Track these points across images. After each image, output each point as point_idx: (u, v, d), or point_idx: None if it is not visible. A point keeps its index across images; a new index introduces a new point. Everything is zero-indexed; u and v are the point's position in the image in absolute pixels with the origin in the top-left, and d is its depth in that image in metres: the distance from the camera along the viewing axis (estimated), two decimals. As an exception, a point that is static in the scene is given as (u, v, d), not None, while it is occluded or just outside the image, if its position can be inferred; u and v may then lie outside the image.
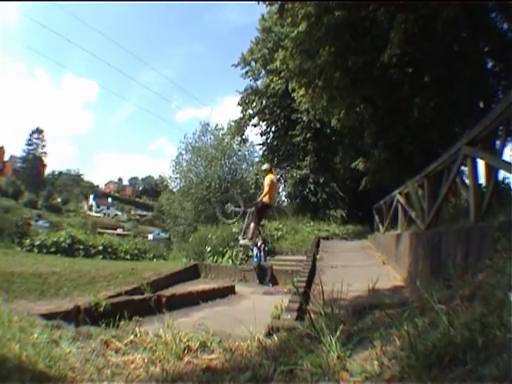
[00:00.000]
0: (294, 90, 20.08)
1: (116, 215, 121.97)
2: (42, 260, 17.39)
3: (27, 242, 22.05)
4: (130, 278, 14.61)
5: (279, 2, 15.27)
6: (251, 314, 8.98)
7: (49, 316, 5.22)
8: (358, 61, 14.88)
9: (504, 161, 4.82)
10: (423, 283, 6.56)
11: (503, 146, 4.95)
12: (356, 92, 16.86)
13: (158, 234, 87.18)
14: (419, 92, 14.77)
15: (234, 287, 12.37)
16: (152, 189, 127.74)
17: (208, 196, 31.95)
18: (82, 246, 22.35)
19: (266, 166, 14.11)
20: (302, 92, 18.77)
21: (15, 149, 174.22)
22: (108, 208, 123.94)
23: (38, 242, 21.77)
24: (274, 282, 14.08)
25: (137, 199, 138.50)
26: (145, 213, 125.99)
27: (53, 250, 21.45)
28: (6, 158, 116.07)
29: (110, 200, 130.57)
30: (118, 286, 13.21)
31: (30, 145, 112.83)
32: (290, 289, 12.66)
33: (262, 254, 14.80)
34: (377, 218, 15.30)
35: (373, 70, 15.15)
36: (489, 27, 14.14)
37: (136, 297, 8.72)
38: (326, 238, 18.41)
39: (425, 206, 7.84)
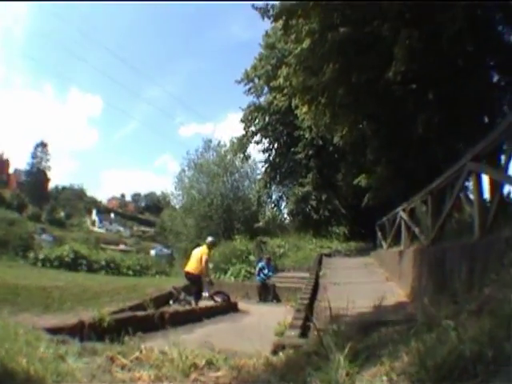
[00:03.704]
0: (297, 107, 20.08)
1: (118, 231, 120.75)
2: (45, 274, 17.48)
3: (31, 255, 22.32)
4: (132, 294, 14.35)
5: (284, 18, 15.29)
6: (255, 331, 9.03)
7: (54, 330, 5.33)
8: (362, 77, 14.84)
9: (510, 176, 4.82)
10: (428, 299, 6.52)
11: (508, 160, 4.88)
12: (359, 109, 16.84)
13: (161, 249, 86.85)
14: (423, 109, 14.70)
15: (236, 304, 12.43)
16: (154, 205, 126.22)
17: (210, 213, 32.01)
18: (84, 261, 22.57)
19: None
20: (304, 109, 18.77)
21: (19, 162, 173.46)
22: (111, 224, 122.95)
23: (41, 256, 21.98)
24: (277, 299, 14.16)
25: (139, 215, 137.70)
26: (147, 229, 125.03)
27: (56, 264, 21.64)
28: (11, 171, 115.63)
29: (112, 216, 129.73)
30: (120, 301, 12.92)
31: (34, 158, 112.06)
32: (293, 306, 12.61)
33: (267, 271, 14.81)
34: (380, 234, 15.23)
35: (376, 86, 15.11)
36: (495, 40, 13.98)
37: (139, 313, 8.69)
38: (329, 255, 18.38)
39: (428, 222, 7.83)
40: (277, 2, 15.25)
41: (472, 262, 5.01)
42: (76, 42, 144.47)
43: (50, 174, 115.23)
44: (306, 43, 15.39)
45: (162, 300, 12.56)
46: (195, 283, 11.92)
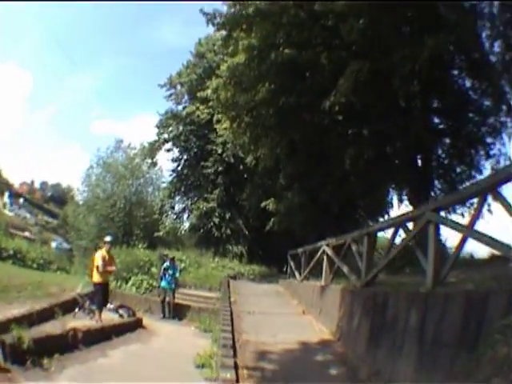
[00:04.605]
0: (218, 122, 19.69)
1: (25, 217, 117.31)
2: None
3: None
4: (37, 291, 15.11)
5: (228, 29, 14.84)
6: (170, 358, 8.45)
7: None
8: (291, 101, 14.70)
9: (476, 231, 4.79)
10: (362, 343, 6.34)
11: (477, 218, 4.88)
12: (283, 133, 16.73)
13: (61, 243, 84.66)
14: (353, 142, 14.64)
15: (141, 320, 12.10)
16: (59, 197, 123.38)
17: (112, 214, 30.78)
18: None
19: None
20: (225, 125, 18.46)
21: None
22: (19, 208, 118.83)
23: None
24: (179, 317, 13.73)
25: (45, 205, 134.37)
26: (50, 220, 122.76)
27: None
28: None
29: (21, 201, 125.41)
30: (27, 298, 13.85)
31: None
32: (198, 327, 12.31)
33: (172, 272, 14.39)
34: (292, 264, 14.97)
35: (304, 113, 15.05)
36: (445, 83, 14.04)
37: (55, 332, 8.40)
38: (234, 278, 18.12)
39: (362, 263, 7.64)
40: (224, 11, 14.79)
41: (424, 313, 4.99)
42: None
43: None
44: (241, 58, 15.05)
45: (67, 306, 12.33)
46: (97, 292, 11.23)
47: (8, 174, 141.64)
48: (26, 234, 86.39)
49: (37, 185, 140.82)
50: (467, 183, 13.96)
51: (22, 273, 18.32)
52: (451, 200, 5.92)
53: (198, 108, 25.01)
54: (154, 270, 17.13)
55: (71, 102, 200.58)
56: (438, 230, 5.56)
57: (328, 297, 9.03)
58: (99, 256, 11.16)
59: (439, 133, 14.86)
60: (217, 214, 26.48)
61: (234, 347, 6.90)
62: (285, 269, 25.19)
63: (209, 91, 19.87)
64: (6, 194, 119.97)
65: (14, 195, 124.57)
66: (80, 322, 11.04)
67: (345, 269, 8.82)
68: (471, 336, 4.05)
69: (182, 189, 29.60)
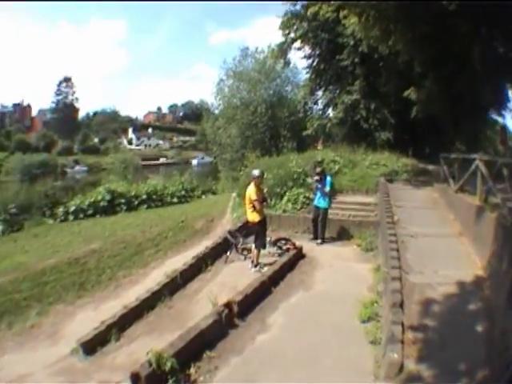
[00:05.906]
0: (345, 17, 19.03)
1: (157, 145, 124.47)
2: (78, 232, 16.35)
3: (60, 210, 20.57)
4: (180, 235, 14.37)
5: None
6: (335, 309, 8.18)
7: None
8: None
9: None
10: (504, 295, 6.13)
11: None
12: (412, 27, 16.34)
13: (203, 158, 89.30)
14: (476, 40, 14.97)
15: (301, 250, 11.51)
16: (193, 113, 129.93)
17: (254, 121, 31.51)
18: (123, 200, 21.09)
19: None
20: (353, 20, 17.88)
21: (45, 103, 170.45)
22: (149, 139, 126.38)
23: (72, 208, 20.37)
24: (338, 235, 13.07)
25: (178, 125, 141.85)
26: (187, 138, 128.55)
27: (90, 212, 20.21)
28: (34, 113, 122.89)
29: (149, 130, 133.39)
30: (168, 248, 13.32)
31: (58, 95, 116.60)
32: (360, 245, 11.90)
33: (324, 185, 12.86)
34: (445, 168, 14.45)
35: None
36: None
37: (205, 324, 6.99)
38: (390, 181, 17.03)
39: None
40: None
41: None
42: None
43: (78, 105, 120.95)
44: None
45: (218, 250, 12.08)
46: (256, 232, 11.07)
47: (130, 112, 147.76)
48: (162, 160, 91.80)
49: (165, 110, 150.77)
50: None
51: (159, 217, 17.62)
52: None
53: (320, 8, 23.86)
54: (309, 180, 15.88)
55: (182, 24, 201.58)
56: None
57: (483, 222, 8.68)
58: (253, 192, 10.80)
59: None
60: (362, 106, 26.05)
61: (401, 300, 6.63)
62: (427, 150, 25.78)
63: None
64: (130, 130, 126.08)
65: (140, 128, 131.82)
66: (234, 268, 11.17)
67: (498, 196, 8.59)
68: None
69: (322, 83, 29.14)
